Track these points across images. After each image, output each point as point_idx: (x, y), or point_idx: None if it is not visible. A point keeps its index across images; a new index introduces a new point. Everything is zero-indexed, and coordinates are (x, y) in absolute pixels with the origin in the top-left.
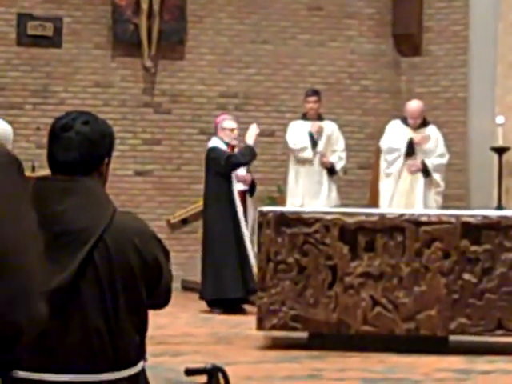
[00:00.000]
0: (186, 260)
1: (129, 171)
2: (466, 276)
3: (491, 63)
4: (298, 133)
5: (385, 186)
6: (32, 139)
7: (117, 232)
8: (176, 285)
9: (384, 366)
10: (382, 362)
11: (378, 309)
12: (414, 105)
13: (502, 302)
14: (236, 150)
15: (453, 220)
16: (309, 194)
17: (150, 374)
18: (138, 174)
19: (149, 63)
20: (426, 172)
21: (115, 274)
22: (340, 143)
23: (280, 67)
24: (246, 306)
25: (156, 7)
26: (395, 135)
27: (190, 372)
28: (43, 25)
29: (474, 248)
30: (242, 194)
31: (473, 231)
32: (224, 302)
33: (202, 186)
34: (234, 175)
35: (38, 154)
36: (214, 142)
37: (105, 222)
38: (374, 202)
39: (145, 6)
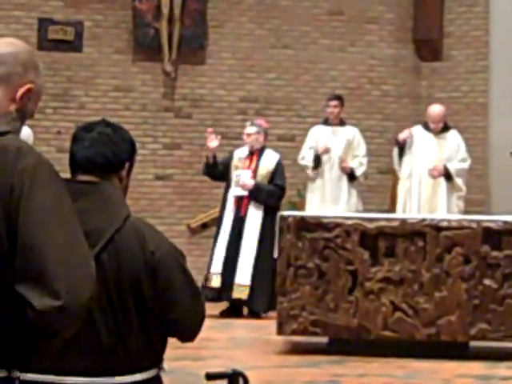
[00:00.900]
0: (205, 265)
1: (149, 176)
2: (487, 281)
3: (511, 69)
4: (311, 144)
5: (401, 189)
6: (53, 143)
7: (127, 236)
8: None
9: (404, 371)
10: (402, 367)
11: (398, 314)
12: (435, 109)
13: None
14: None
15: (474, 225)
16: (328, 200)
17: (170, 379)
18: (159, 178)
19: (169, 68)
20: (448, 176)
21: (123, 276)
22: (361, 148)
23: (301, 72)
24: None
25: (177, 12)
26: (413, 143)
27: (210, 377)
28: (64, 29)
29: (494, 253)
30: (239, 199)
31: (494, 236)
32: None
33: (222, 191)
34: (234, 180)
35: (59, 158)
36: (241, 149)
37: (116, 225)
38: (395, 208)
39: (165, 10)
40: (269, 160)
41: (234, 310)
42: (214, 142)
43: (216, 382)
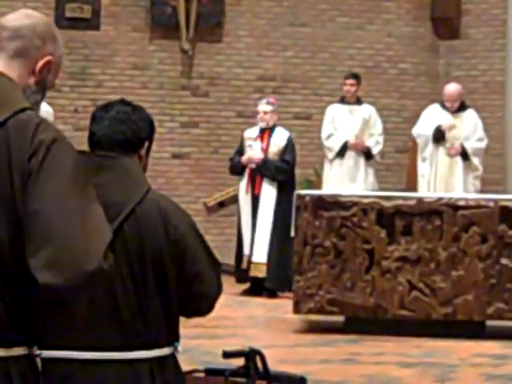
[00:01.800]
0: (222, 243)
1: (166, 154)
2: (504, 261)
3: None
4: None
5: (422, 171)
6: (70, 121)
7: (149, 208)
8: None
9: (420, 350)
10: (418, 346)
11: (414, 293)
12: (451, 88)
13: None
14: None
15: (491, 204)
16: (346, 178)
17: (186, 357)
18: (176, 156)
19: (187, 46)
20: (464, 155)
21: (145, 248)
22: (378, 127)
23: (318, 50)
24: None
25: None
26: (431, 120)
27: (227, 355)
28: (81, 7)
29: (511, 232)
30: (252, 177)
31: (511, 216)
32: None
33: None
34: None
35: (76, 137)
36: (252, 128)
37: (137, 197)
38: (412, 186)
39: None
40: (279, 137)
41: (255, 289)
42: (259, 155)
43: (233, 360)
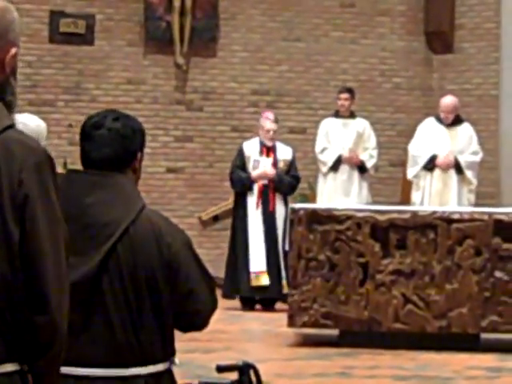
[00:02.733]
0: (216, 257)
1: (161, 168)
2: (498, 274)
3: None
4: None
5: (415, 188)
6: (64, 136)
7: (142, 227)
8: None
9: (415, 363)
10: (413, 359)
11: (409, 306)
12: (447, 100)
13: None
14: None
15: (485, 217)
16: (340, 192)
17: (180, 371)
18: (170, 171)
19: (181, 60)
20: (458, 169)
21: (138, 268)
22: (372, 141)
23: (312, 64)
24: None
25: (188, 4)
26: (426, 136)
27: (221, 369)
28: (75, 22)
29: (506, 246)
30: (264, 193)
31: (505, 229)
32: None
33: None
34: (251, 165)
35: (70, 151)
36: (250, 142)
37: (131, 216)
38: (405, 200)
39: (177, 3)
40: (285, 152)
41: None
42: (273, 171)
43: (227, 374)
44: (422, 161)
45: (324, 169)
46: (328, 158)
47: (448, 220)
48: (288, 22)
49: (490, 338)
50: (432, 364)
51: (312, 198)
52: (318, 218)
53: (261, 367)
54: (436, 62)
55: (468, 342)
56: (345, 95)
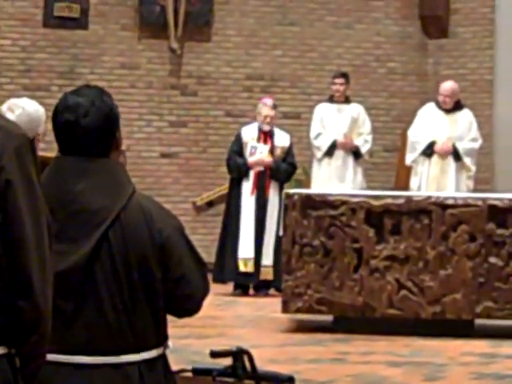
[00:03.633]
0: (210, 243)
1: (155, 153)
2: (492, 259)
3: None
4: (321, 124)
5: (413, 174)
6: None
7: (133, 213)
8: None
9: (409, 349)
10: (407, 345)
11: (403, 292)
12: (446, 84)
13: None
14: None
15: (479, 203)
16: (334, 178)
17: (174, 357)
18: (164, 156)
19: (175, 45)
20: (456, 156)
21: (130, 254)
22: (366, 126)
23: (306, 49)
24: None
25: None
26: (425, 121)
27: (215, 354)
28: (70, 6)
29: (500, 231)
30: (259, 181)
31: (499, 214)
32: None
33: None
34: (248, 151)
35: None
36: (248, 127)
37: (122, 202)
38: (400, 185)
39: None
40: (282, 139)
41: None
42: (270, 158)
43: (221, 359)
44: (421, 147)
45: (319, 154)
46: (322, 143)
47: (442, 205)
48: (282, 6)
49: (484, 323)
50: (426, 350)
51: (306, 183)
52: (312, 203)
53: (254, 353)
54: (431, 47)
55: (462, 328)
56: (340, 80)
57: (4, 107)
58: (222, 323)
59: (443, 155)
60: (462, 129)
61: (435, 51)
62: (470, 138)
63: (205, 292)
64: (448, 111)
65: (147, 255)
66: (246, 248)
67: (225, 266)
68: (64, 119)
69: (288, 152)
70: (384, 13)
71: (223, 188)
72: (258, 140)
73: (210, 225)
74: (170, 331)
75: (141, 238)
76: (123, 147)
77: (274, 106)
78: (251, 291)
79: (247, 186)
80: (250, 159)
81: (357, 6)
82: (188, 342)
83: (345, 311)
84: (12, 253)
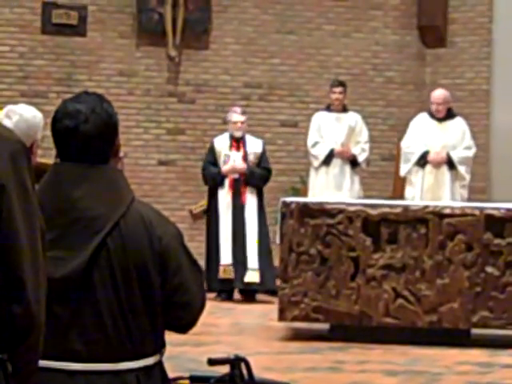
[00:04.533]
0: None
1: (152, 161)
2: (489, 269)
3: None
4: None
5: (408, 183)
6: None
7: (132, 220)
8: None
9: (406, 358)
10: (403, 354)
11: (400, 301)
12: (437, 92)
13: None
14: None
15: (476, 212)
16: (332, 186)
17: (171, 364)
18: (162, 163)
19: (173, 53)
20: (451, 164)
21: (129, 262)
22: (364, 135)
23: (304, 58)
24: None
25: None
26: (418, 132)
27: (212, 362)
28: (68, 13)
29: (497, 241)
30: (235, 186)
31: (496, 224)
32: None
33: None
34: (221, 160)
35: None
36: (220, 137)
37: (121, 210)
38: (397, 194)
39: None
40: (255, 145)
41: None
42: (243, 165)
43: (218, 367)
44: (414, 158)
45: (316, 163)
46: (320, 152)
47: (439, 215)
48: (281, 14)
49: (480, 333)
50: (422, 359)
51: (303, 192)
52: (309, 211)
53: (252, 361)
54: (429, 57)
55: (458, 338)
56: (339, 89)
57: (1, 114)
58: (219, 331)
59: (437, 165)
60: (455, 137)
61: (433, 61)
62: (464, 146)
63: (202, 303)
64: (440, 120)
65: (146, 263)
66: (225, 255)
67: (210, 274)
68: (64, 126)
69: (261, 157)
70: (382, 22)
71: None
72: (231, 148)
73: None
74: (167, 338)
75: (140, 246)
76: (121, 154)
77: (243, 112)
78: (236, 295)
79: (223, 194)
80: (224, 168)
81: (355, 15)
82: (185, 349)
83: (341, 319)
84: (5, 258)
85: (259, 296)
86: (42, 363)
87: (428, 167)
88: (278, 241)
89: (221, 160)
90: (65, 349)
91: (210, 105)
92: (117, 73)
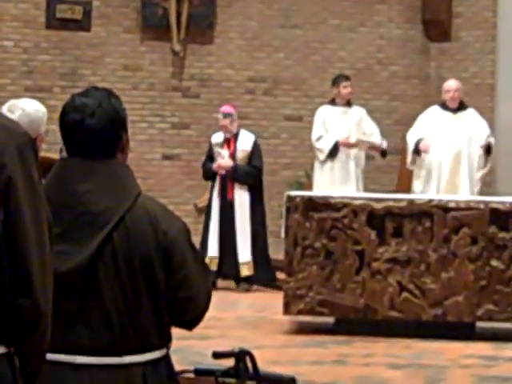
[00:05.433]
0: None
1: (157, 155)
2: (494, 262)
3: None
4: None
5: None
6: None
7: (138, 214)
8: None
9: (410, 351)
10: (408, 347)
11: (405, 294)
12: (450, 81)
13: None
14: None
15: (481, 206)
16: (337, 181)
17: (175, 358)
18: (166, 157)
19: (178, 47)
20: (488, 150)
21: (134, 256)
22: (371, 127)
23: (309, 52)
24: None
25: None
26: (429, 125)
27: (217, 355)
28: (72, 8)
29: (502, 234)
30: (223, 183)
31: (501, 218)
32: None
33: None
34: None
35: None
36: (217, 133)
37: (127, 204)
38: (402, 188)
39: None
40: (245, 142)
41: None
42: (229, 162)
43: (223, 360)
44: (411, 147)
45: (321, 156)
46: (325, 146)
47: (444, 208)
48: (285, 9)
49: (485, 326)
50: (427, 352)
51: (308, 186)
52: (314, 205)
53: (256, 354)
54: (433, 51)
55: (463, 331)
56: (348, 83)
57: (4, 108)
58: (223, 324)
59: (425, 152)
60: (471, 127)
61: (437, 55)
62: (489, 133)
63: (208, 296)
64: (455, 111)
65: (151, 257)
66: (211, 247)
67: None
68: (70, 119)
69: (251, 155)
70: (387, 16)
71: None
72: (223, 145)
73: None
74: (172, 332)
75: (145, 240)
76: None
77: (225, 116)
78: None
79: (215, 190)
80: (213, 165)
81: (360, 10)
82: (189, 342)
83: (346, 313)
84: (12, 250)
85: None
86: (47, 356)
87: (445, 160)
88: (282, 235)
89: (215, 155)
90: (70, 342)
91: (214, 99)
92: (121, 67)
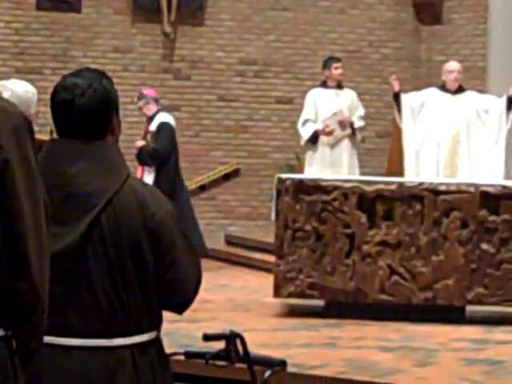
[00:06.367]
0: (203, 227)
1: None
2: (484, 246)
3: (511, 33)
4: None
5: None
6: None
7: (126, 196)
8: None
9: (400, 335)
10: (398, 330)
11: (395, 278)
12: (452, 62)
13: None
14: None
15: (472, 189)
16: (328, 164)
17: (166, 341)
18: None
19: (168, 29)
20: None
21: (122, 238)
22: (360, 110)
23: (300, 34)
24: None
25: None
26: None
27: (208, 338)
28: None
29: (492, 218)
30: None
31: (492, 201)
32: None
33: (220, 153)
34: None
35: None
36: None
37: (116, 186)
38: (392, 171)
39: None
40: (155, 124)
41: None
42: (140, 142)
43: (213, 343)
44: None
45: (302, 141)
46: (304, 133)
47: (435, 192)
48: None
49: (475, 310)
50: (417, 335)
51: (298, 168)
52: (304, 188)
53: (247, 337)
54: (424, 33)
55: (453, 314)
56: (339, 64)
57: None
58: (214, 307)
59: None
60: (473, 108)
61: (428, 37)
62: (500, 110)
63: (197, 277)
64: (454, 93)
65: (139, 239)
66: None
67: None
68: (60, 98)
69: (155, 136)
70: None
71: (216, 172)
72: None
73: (203, 209)
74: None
75: (133, 222)
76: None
77: (139, 97)
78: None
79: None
80: None
81: None
82: (179, 325)
83: (336, 296)
84: (9, 233)
85: None
86: None
87: (443, 142)
88: (273, 217)
89: None
90: (60, 324)
91: (205, 81)
92: (112, 49)
